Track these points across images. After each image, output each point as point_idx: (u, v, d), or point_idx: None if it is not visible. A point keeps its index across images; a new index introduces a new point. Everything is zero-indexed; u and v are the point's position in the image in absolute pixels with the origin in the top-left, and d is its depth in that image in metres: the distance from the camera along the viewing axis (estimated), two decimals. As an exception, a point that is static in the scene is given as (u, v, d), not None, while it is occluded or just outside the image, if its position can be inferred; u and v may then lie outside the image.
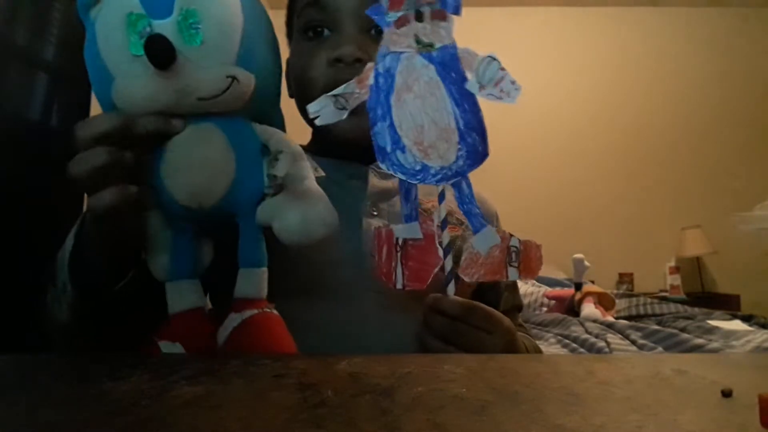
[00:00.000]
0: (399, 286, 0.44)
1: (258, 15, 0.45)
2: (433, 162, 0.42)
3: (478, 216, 0.43)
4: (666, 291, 3.01)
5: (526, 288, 2.19)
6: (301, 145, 0.47)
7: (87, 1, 0.42)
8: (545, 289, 2.26)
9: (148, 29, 0.39)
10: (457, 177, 0.43)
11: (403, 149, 0.42)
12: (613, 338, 1.48)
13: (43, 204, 0.90)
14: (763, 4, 3.34)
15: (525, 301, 2.05)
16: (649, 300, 2.19)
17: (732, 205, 2.61)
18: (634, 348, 1.41)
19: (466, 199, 0.43)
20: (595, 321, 1.78)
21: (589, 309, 1.95)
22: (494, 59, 0.40)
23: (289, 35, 0.68)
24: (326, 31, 0.60)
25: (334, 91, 0.44)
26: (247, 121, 0.45)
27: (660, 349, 1.38)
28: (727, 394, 0.28)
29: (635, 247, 3.26)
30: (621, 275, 3.15)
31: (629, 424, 0.24)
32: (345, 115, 0.44)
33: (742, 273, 3.05)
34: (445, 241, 0.44)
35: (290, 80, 0.66)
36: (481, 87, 0.41)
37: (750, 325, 1.67)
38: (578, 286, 2.09)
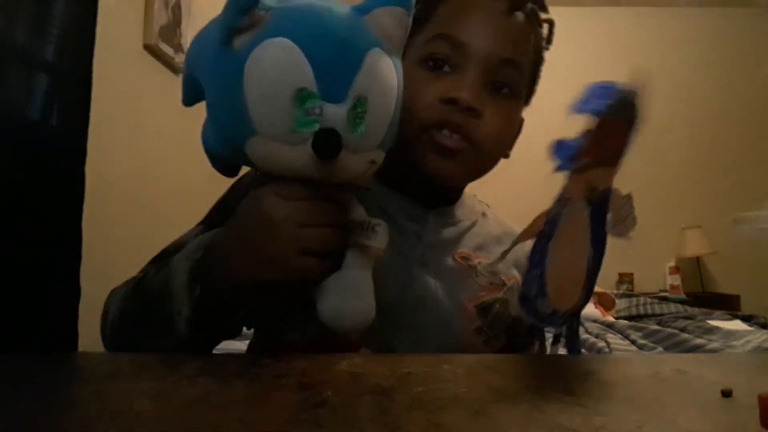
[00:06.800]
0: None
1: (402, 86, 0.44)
2: (562, 306, 0.40)
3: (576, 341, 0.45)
4: (666, 291, 3.00)
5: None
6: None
7: (232, 26, 0.38)
8: (545, 289, 2.26)
9: (317, 110, 0.37)
10: (571, 319, 0.43)
11: (544, 296, 0.40)
12: (613, 338, 1.48)
13: (42, 204, 0.90)
14: (765, 3, 3.34)
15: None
16: (649, 300, 2.19)
17: (732, 205, 2.61)
18: (634, 348, 1.41)
19: (573, 335, 0.44)
20: (595, 321, 1.78)
21: (589, 309, 1.95)
22: (630, 197, 0.40)
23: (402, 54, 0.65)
24: (446, 67, 0.57)
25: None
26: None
27: (660, 349, 1.38)
28: (727, 394, 0.28)
29: (635, 247, 3.25)
30: (621, 275, 3.15)
31: (629, 424, 0.24)
32: None
33: (742, 273, 3.05)
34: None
35: None
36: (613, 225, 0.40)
37: (750, 325, 1.67)
38: (578, 286, 2.09)
